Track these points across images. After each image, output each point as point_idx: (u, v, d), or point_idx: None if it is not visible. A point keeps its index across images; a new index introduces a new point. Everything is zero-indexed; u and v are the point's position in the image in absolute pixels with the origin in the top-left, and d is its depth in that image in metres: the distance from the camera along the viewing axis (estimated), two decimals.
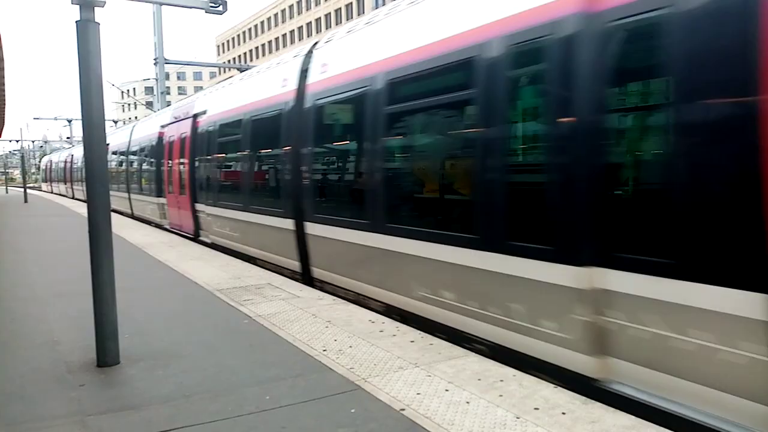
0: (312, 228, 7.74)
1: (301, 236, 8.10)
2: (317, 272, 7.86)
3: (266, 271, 8.87)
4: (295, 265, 8.44)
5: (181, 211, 14.05)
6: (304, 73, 8.12)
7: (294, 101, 8.15)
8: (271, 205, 8.91)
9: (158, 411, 3.78)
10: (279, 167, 8.79)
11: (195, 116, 12.88)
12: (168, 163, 15.04)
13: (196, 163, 12.70)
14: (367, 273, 6.65)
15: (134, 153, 19.38)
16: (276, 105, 8.74)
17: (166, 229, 15.33)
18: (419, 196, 5.93)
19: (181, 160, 13.70)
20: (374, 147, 6.34)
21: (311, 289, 7.47)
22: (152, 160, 16.68)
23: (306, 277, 8.19)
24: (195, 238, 12.99)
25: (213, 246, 11.69)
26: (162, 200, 15.90)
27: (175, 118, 14.62)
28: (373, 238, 6.38)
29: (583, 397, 3.78)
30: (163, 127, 15.79)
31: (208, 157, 11.89)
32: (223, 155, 11.27)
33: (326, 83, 7.38)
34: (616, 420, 3.43)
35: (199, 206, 12.66)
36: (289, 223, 8.36)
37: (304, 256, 8.15)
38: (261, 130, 9.39)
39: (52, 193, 48.16)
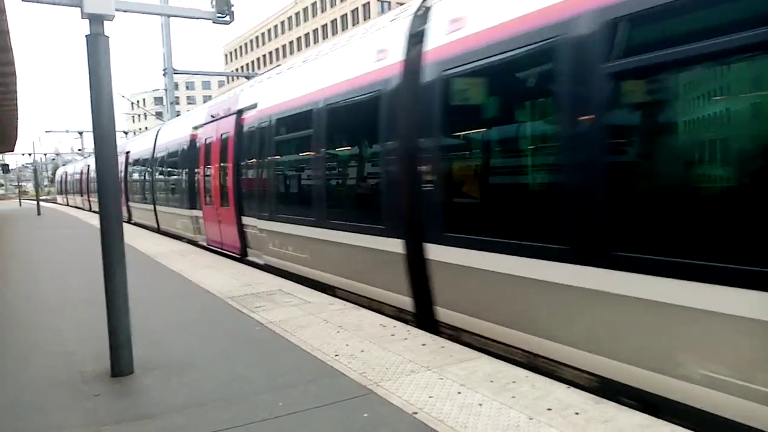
0: (440, 252, 5.55)
1: (416, 263, 5.96)
2: (447, 315, 5.73)
3: (276, 277, 8.89)
4: (403, 301, 6.30)
5: (223, 226, 11.81)
6: (414, 38, 6.12)
7: (401, 77, 6.10)
8: (364, 220, 6.74)
9: (173, 420, 3.81)
10: (376, 169, 6.62)
11: (240, 112, 10.77)
12: (204, 169, 12.87)
13: (244, 168, 10.49)
14: (563, 327, 4.43)
15: (160, 160, 17.18)
16: (368, 86, 6.60)
17: (202, 246, 13.34)
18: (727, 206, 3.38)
19: (223, 165, 11.57)
20: (601, 124, 3.98)
21: (321, 294, 7.48)
22: (183, 167, 14.64)
23: (423, 319, 6.07)
24: (242, 258, 10.89)
25: (267, 268, 9.63)
26: (196, 213, 13.84)
27: (213, 116, 12.51)
28: (587, 274, 4.09)
29: (596, 397, 3.77)
30: (195, 128, 13.76)
31: (262, 160, 9.60)
32: (285, 157, 9.02)
33: (468, 44, 5.18)
34: (630, 419, 3.42)
35: (247, 220, 10.45)
36: (395, 245, 6.19)
37: (421, 290, 6.02)
38: (343, 121, 7.25)
39: (67, 205, 46.78)
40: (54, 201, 61.10)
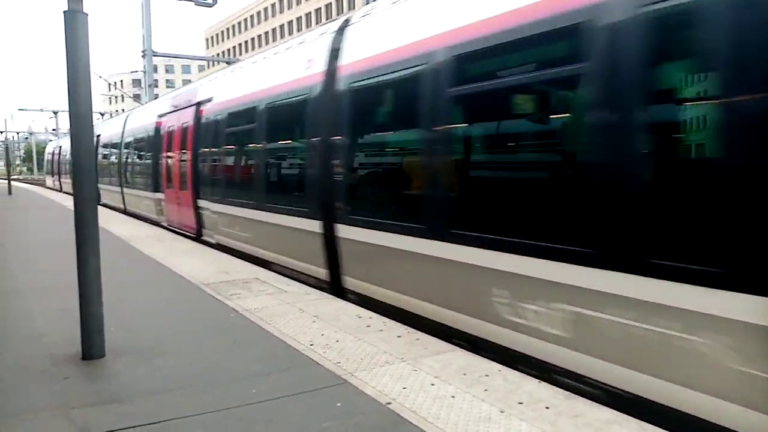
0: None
1: None
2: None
3: (253, 265, 8.83)
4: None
5: None
6: None
7: None
8: None
9: (143, 404, 3.77)
10: None
11: None
12: None
13: None
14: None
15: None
16: None
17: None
18: None
19: None
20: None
21: (299, 284, 7.46)
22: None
23: None
24: None
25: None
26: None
27: None
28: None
29: (566, 392, 3.83)
30: None
31: None
32: None
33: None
34: (598, 414, 3.48)
35: None
36: None
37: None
38: None
39: (61, 191, 34.35)
40: (40, 184, 46.85)
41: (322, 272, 7.42)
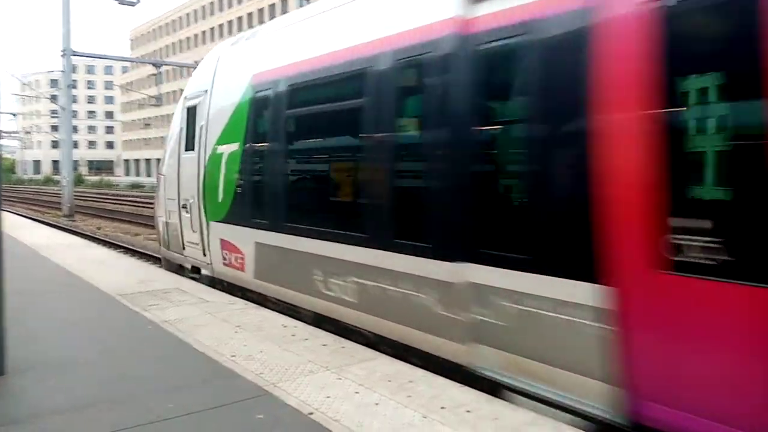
0: None
1: None
2: None
3: (173, 274, 8.51)
4: None
5: None
6: None
7: None
8: None
9: (48, 424, 3.53)
10: None
11: None
12: None
13: None
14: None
15: None
16: None
17: None
18: None
19: None
20: None
21: (222, 293, 7.24)
22: None
23: None
24: None
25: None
26: None
27: None
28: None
29: (489, 396, 3.91)
30: None
31: None
32: None
33: None
34: (517, 416, 3.57)
35: None
36: None
37: None
38: None
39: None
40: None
41: None
